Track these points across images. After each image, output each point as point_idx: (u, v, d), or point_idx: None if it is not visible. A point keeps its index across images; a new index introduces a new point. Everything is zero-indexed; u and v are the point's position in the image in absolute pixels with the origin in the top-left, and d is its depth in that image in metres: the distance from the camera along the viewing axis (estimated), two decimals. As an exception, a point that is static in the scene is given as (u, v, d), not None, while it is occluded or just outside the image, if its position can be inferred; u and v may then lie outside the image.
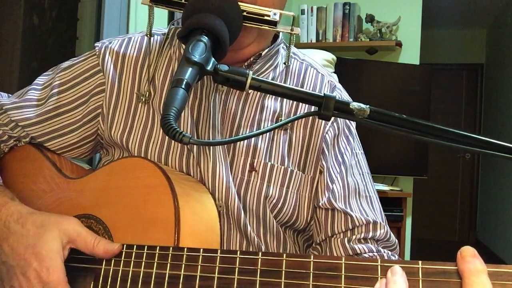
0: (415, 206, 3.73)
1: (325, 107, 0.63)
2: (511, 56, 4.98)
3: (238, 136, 0.81)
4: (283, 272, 0.56)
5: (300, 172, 0.83)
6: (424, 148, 3.36)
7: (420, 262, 0.51)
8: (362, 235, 0.83)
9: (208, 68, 0.64)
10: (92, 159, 1.66)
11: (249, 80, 0.64)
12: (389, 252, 0.85)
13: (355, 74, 3.31)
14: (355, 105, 0.63)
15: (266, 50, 0.83)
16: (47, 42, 1.98)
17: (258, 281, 0.57)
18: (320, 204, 0.83)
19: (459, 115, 6.27)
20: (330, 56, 2.31)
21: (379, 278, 0.52)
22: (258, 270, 0.58)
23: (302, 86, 0.87)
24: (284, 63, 0.83)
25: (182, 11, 0.72)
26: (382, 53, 3.61)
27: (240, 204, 0.79)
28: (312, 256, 0.56)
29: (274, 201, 0.82)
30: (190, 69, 0.62)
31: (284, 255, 0.57)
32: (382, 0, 3.62)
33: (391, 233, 0.87)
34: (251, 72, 0.65)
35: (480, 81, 6.22)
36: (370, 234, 0.83)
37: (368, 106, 0.63)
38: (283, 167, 0.82)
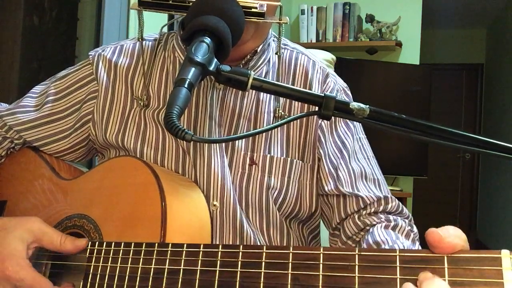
0: (415, 206, 3.73)
1: (325, 107, 0.63)
2: (511, 56, 4.98)
3: (240, 134, 0.82)
4: (263, 263, 0.56)
5: (300, 161, 0.85)
6: (424, 148, 3.36)
7: (397, 250, 0.51)
8: (373, 210, 0.84)
9: (211, 68, 0.65)
10: (92, 161, 1.66)
11: (250, 80, 0.65)
12: (399, 218, 0.85)
13: (355, 74, 3.31)
14: (355, 105, 0.63)
15: (260, 46, 0.84)
16: (47, 42, 1.98)
17: (239, 273, 0.57)
18: (327, 190, 0.84)
19: (459, 115, 6.27)
20: (330, 56, 2.31)
21: (356, 266, 0.52)
22: (239, 262, 0.58)
23: (294, 74, 0.88)
24: (276, 53, 0.84)
25: (170, 13, 0.74)
26: (382, 53, 3.61)
27: (236, 202, 0.80)
28: (291, 248, 0.56)
29: (277, 191, 0.82)
30: (193, 69, 0.63)
31: (264, 247, 0.57)
32: (382, 0, 3.62)
33: (403, 206, 0.88)
34: (252, 73, 0.65)
35: (480, 81, 6.22)
36: (381, 208, 0.85)
37: (368, 106, 0.63)
38: (282, 157, 0.83)
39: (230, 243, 0.80)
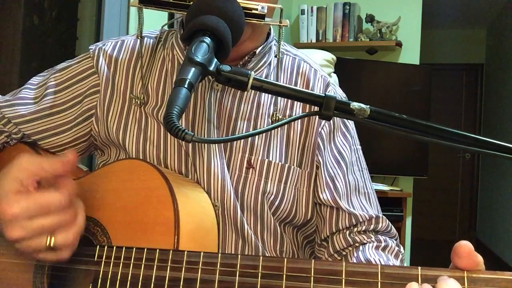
0: (415, 206, 3.73)
1: (326, 107, 0.63)
2: (511, 56, 4.98)
3: (240, 134, 0.81)
4: (284, 275, 0.56)
5: (298, 168, 0.85)
6: (424, 148, 3.36)
7: (419, 267, 0.53)
8: (364, 228, 0.86)
9: (211, 68, 0.64)
10: (92, 159, 1.66)
11: (251, 80, 0.64)
12: (388, 238, 0.88)
13: (355, 74, 3.31)
14: (355, 105, 0.63)
15: (260, 48, 0.84)
16: (47, 42, 1.98)
17: (259, 284, 0.57)
18: (323, 200, 0.85)
19: (459, 115, 6.28)
20: (330, 56, 2.31)
21: (379, 282, 0.52)
22: (259, 273, 0.58)
23: (296, 81, 0.88)
24: (275, 56, 0.84)
25: (170, 11, 0.73)
26: (382, 53, 3.61)
27: (237, 202, 0.80)
28: (313, 261, 0.56)
29: (272, 197, 0.83)
30: (193, 69, 0.62)
31: (285, 259, 0.57)
32: (382, 0, 3.63)
33: (392, 225, 0.90)
34: (252, 73, 0.65)
35: (480, 81, 6.22)
36: (372, 227, 0.87)
37: (368, 106, 0.63)
38: (280, 163, 0.83)
39: (233, 243, 0.80)
